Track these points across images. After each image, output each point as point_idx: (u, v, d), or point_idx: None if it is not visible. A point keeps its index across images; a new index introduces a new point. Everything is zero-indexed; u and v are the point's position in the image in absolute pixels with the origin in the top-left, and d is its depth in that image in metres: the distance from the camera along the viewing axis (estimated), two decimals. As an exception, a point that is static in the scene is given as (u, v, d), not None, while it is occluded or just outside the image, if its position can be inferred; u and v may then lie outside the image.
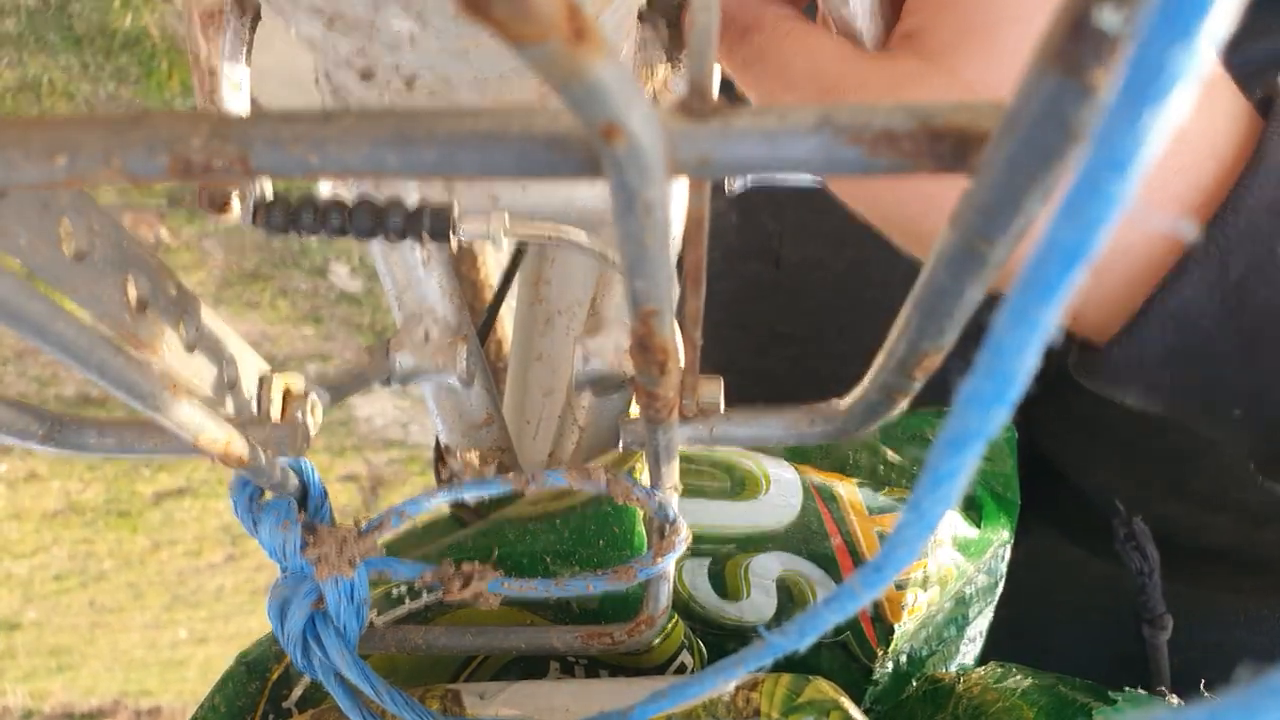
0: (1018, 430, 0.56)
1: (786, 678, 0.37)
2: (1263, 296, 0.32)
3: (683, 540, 0.32)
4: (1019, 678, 0.41)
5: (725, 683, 0.24)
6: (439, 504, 0.33)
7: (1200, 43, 0.08)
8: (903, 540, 0.16)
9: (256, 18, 0.36)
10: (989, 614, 0.54)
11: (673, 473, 0.29)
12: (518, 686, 0.37)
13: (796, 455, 0.49)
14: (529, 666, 0.45)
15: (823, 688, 0.36)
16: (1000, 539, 0.51)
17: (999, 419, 0.12)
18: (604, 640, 0.37)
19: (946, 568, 0.49)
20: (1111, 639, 0.57)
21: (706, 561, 0.48)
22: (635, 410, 0.35)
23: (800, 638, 0.20)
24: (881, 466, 0.50)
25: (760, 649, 0.22)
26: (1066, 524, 0.61)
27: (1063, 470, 0.63)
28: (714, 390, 0.28)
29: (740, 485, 0.47)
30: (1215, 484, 0.55)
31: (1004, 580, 0.53)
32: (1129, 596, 0.55)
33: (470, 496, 0.33)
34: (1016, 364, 0.11)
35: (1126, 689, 0.38)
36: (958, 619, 0.52)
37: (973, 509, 0.50)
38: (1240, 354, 0.32)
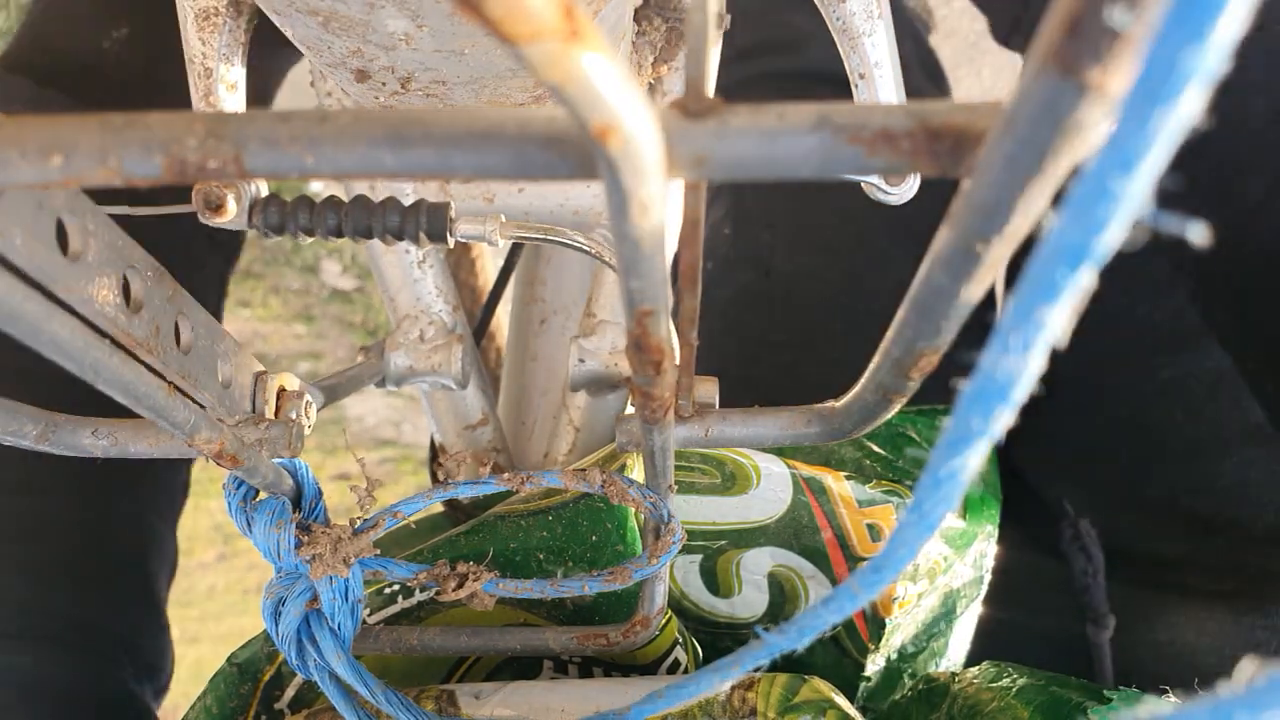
0: None
1: (782, 677, 0.37)
2: None
3: (678, 541, 0.32)
4: (1014, 677, 0.41)
5: (721, 683, 0.24)
6: (434, 504, 0.33)
7: (1214, 43, 0.08)
8: (903, 540, 0.16)
9: (253, 18, 0.36)
10: (976, 609, 0.54)
11: (668, 473, 0.29)
12: (513, 687, 0.37)
13: (782, 449, 0.49)
14: (522, 665, 0.45)
15: (818, 687, 0.36)
16: (985, 532, 0.52)
17: (1002, 420, 0.12)
18: (599, 641, 0.37)
19: (934, 559, 0.49)
20: (1061, 638, 0.58)
21: (698, 558, 0.48)
22: (631, 410, 0.35)
23: (798, 638, 0.20)
24: (867, 459, 0.50)
25: (757, 649, 0.22)
26: (1017, 524, 0.62)
27: (1019, 473, 0.64)
28: (710, 391, 0.28)
29: (730, 479, 0.47)
30: (1168, 493, 0.56)
31: (988, 575, 0.53)
32: (1075, 596, 0.56)
33: (465, 496, 0.33)
34: (1020, 365, 0.11)
35: (1122, 688, 0.38)
36: (945, 613, 0.52)
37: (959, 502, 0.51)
38: None
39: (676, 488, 0.46)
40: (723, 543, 0.48)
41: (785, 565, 0.48)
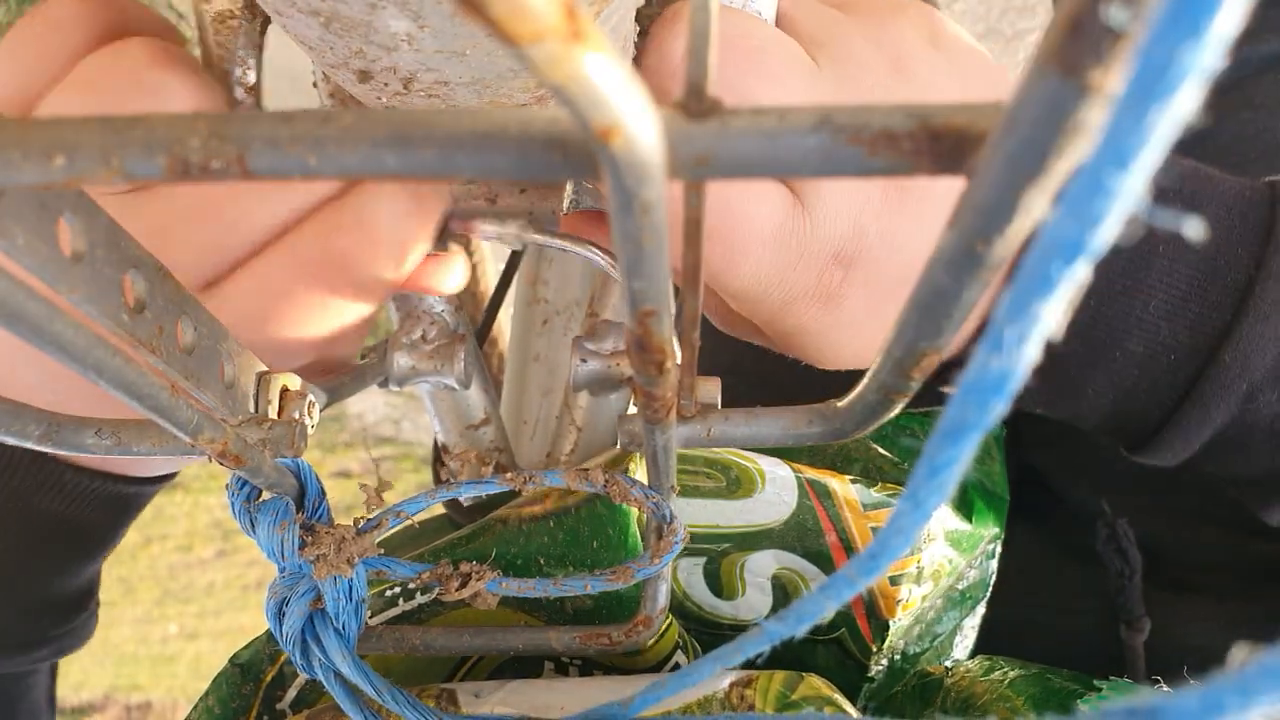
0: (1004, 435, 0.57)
1: (780, 675, 0.37)
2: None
3: (680, 540, 0.32)
4: (1006, 669, 0.41)
5: (722, 671, 0.24)
6: (437, 503, 0.33)
7: (1209, 40, 0.08)
8: (898, 529, 0.16)
9: (268, 20, 0.36)
10: (980, 611, 0.54)
11: (670, 473, 0.29)
12: (513, 685, 0.37)
13: (785, 452, 0.49)
14: (522, 670, 0.45)
15: (816, 684, 0.37)
16: (990, 534, 0.51)
17: (996, 411, 0.12)
18: (601, 641, 0.37)
19: (939, 562, 0.49)
20: (1090, 641, 0.57)
21: (702, 561, 0.48)
22: (633, 410, 0.35)
23: (796, 625, 0.20)
24: (872, 462, 0.50)
25: (757, 636, 0.22)
26: (1048, 525, 0.61)
27: (1047, 478, 0.63)
28: (711, 391, 0.28)
29: (736, 483, 0.47)
30: (1202, 497, 0.55)
31: (994, 577, 0.53)
32: (1108, 598, 0.55)
33: (467, 496, 0.33)
34: (1015, 357, 0.12)
35: (1112, 678, 0.38)
36: (950, 615, 0.52)
37: (964, 505, 0.50)
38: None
39: (682, 492, 0.47)
40: (726, 545, 0.48)
41: (789, 568, 0.48)
